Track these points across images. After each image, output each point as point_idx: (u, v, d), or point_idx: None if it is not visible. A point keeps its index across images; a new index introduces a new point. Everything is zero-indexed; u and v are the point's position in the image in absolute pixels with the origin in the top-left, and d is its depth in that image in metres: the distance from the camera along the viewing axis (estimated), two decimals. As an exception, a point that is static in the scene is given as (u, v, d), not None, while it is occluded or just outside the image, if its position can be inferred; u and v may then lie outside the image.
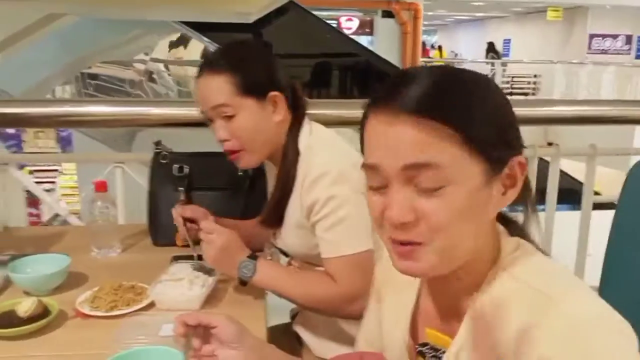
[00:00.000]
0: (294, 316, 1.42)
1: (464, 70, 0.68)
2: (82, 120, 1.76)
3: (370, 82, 6.71)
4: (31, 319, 1.05)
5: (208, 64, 1.17)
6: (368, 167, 0.67)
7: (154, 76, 7.53)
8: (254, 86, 1.14)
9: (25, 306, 1.07)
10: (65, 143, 8.44)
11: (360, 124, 0.69)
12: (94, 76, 6.96)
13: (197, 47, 6.79)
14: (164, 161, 1.51)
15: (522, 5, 15.08)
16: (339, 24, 11.33)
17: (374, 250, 1.12)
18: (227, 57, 1.16)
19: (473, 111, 0.63)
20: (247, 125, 1.15)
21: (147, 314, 1.12)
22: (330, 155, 1.17)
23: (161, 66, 7.72)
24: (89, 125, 1.71)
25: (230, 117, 1.14)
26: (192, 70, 7.98)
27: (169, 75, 7.88)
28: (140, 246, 1.52)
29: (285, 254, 1.35)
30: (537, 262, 0.68)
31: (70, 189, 6.85)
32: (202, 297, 1.14)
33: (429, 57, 15.31)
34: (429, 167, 0.62)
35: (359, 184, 1.12)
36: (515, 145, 0.67)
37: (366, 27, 12.05)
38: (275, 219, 1.24)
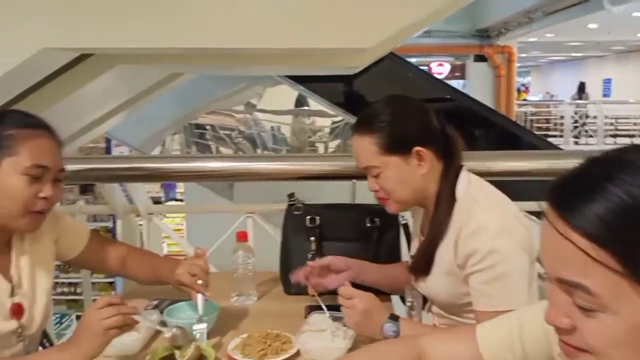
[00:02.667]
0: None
1: None
2: (212, 174, 1.87)
3: (466, 126, 6.62)
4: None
5: (357, 126, 1.26)
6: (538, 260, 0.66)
7: (251, 122, 7.90)
8: (398, 144, 1.20)
9: (184, 351, 1.14)
10: (168, 188, 9.00)
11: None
12: (199, 126, 7.43)
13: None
14: (297, 212, 1.58)
15: (623, 44, 14.38)
16: (429, 69, 11.37)
17: None
18: (372, 119, 1.23)
19: None
20: (392, 180, 1.21)
21: (293, 364, 1.16)
22: (494, 207, 1.18)
23: (257, 113, 8.10)
24: (221, 179, 1.82)
25: (376, 175, 1.22)
26: (286, 118, 8.33)
27: (265, 121, 8.24)
28: (273, 294, 1.58)
29: (425, 299, 1.36)
30: None
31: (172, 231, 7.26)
32: (345, 349, 1.16)
33: (525, 100, 14.89)
34: (580, 288, 0.57)
35: (522, 238, 1.12)
36: None
37: (457, 71, 12.00)
38: (426, 265, 1.25)
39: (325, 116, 7.59)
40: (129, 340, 1.19)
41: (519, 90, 16.86)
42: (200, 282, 1.31)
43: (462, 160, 1.26)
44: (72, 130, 3.51)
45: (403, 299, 1.58)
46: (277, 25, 1.92)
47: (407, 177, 1.21)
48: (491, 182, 1.30)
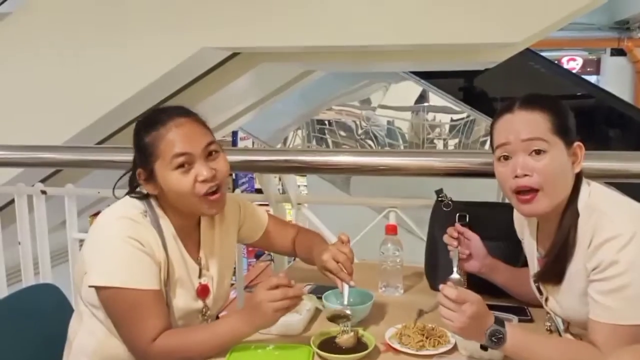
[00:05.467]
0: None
1: None
2: (341, 168, 1.87)
3: (603, 126, 6.17)
4: (350, 349, 1.17)
5: (524, 102, 1.17)
6: None
7: (367, 117, 7.97)
8: (566, 130, 1.15)
9: (343, 335, 1.20)
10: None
11: None
12: (320, 121, 7.64)
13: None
14: (447, 209, 1.58)
15: None
16: (560, 64, 10.69)
17: None
18: (543, 99, 1.18)
19: None
20: (555, 165, 1.13)
21: (451, 357, 1.17)
22: (625, 217, 1.09)
23: (379, 109, 8.14)
24: (366, 173, 1.85)
25: (538, 153, 1.13)
26: (402, 114, 8.27)
27: (381, 116, 8.26)
28: (419, 289, 1.60)
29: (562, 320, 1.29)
30: None
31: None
32: (501, 357, 1.14)
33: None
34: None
35: None
36: None
37: (589, 66, 11.15)
38: (552, 276, 1.19)
39: (446, 112, 7.45)
40: (294, 321, 1.27)
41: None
42: (344, 270, 1.31)
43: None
44: (213, 124, 3.79)
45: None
46: (425, 20, 1.93)
47: (565, 169, 1.14)
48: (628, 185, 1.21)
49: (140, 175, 1.23)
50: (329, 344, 1.20)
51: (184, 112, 1.23)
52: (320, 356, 1.17)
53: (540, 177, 1.12)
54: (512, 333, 1.07)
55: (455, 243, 1.37)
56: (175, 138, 1.18)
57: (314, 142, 7.53)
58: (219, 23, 2.36)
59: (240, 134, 7.16)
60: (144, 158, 1.21)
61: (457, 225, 1.40)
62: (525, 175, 1.12)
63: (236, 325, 1.16)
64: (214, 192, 1.21)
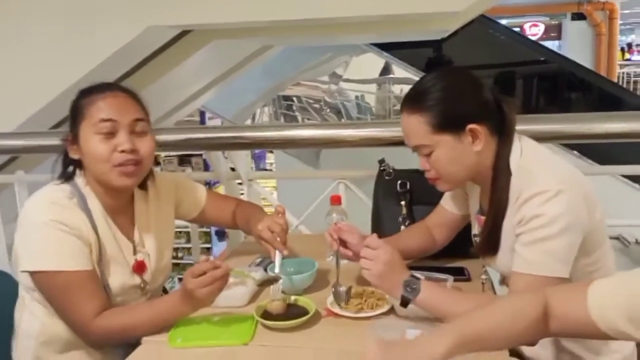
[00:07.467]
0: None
1: None
2: (305, 142, 1.92)
3: (563, 91, 6.28)
4: (289, 315, 1.21)
5: (406, 103, 1.22)
6: None
7: (335, 92, 7.97)
8: (451, 122, 1.17)
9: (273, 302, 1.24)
10: (258, 159, 9.31)
11: None
12: (286, 97, 7.62)
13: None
14: (388, 178, 1.63)
15: None
16: (522, 30, 10.79)
17: (569, 280, 1.10)
18: (423, 96, 1.19)
19: None
20: (443, 160, 1.19)
21: (389, 318, 1.22)
22: (549, 174, 1.13)
23: (342, 82, 8.15)
24: (313, 146, 1.88)
25: (427, 154, 1.20)
26: (370, 87, 8.30)
27: (349, 90, 8.27)
28: (366, 255, 1.64)
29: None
30: None
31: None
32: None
33: (628, 60, 13.73)
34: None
35: (576, 205, 1.09)
36: None
37: (552, 31, 11.31)
38: (493, 244, 1.24)
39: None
40: (238, 294, 1.31)
41: (622, 50, 15.54)
42: (278, 239, 1.34)
43: (515, 129, 1.21)
44: (172, 104, 3.76)
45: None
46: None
47: (460, 155, 1.18)
48: (591, 145, 1.25)
49: (68, 137, 1.24)
50: (271, 313, 1.24)
51: (124, 89, 1.28)
52: (262, 324, 1.21)
53: (435, 171, 1.22)
54: (426, 285, 1.14)
55: (335, 246, 1.35)
56: (106, 104, 1.22)
57: (282, 119, 7.52)
58: (165, 1, 2.33)
59: (209, 114, 7.11)
60: (73, 120, 1.24)
61: (334, 227, 1.37)
62: (425, 170, 1.24)
63: (177, 306, 1.18)
64: (128, 165, 1.22)
